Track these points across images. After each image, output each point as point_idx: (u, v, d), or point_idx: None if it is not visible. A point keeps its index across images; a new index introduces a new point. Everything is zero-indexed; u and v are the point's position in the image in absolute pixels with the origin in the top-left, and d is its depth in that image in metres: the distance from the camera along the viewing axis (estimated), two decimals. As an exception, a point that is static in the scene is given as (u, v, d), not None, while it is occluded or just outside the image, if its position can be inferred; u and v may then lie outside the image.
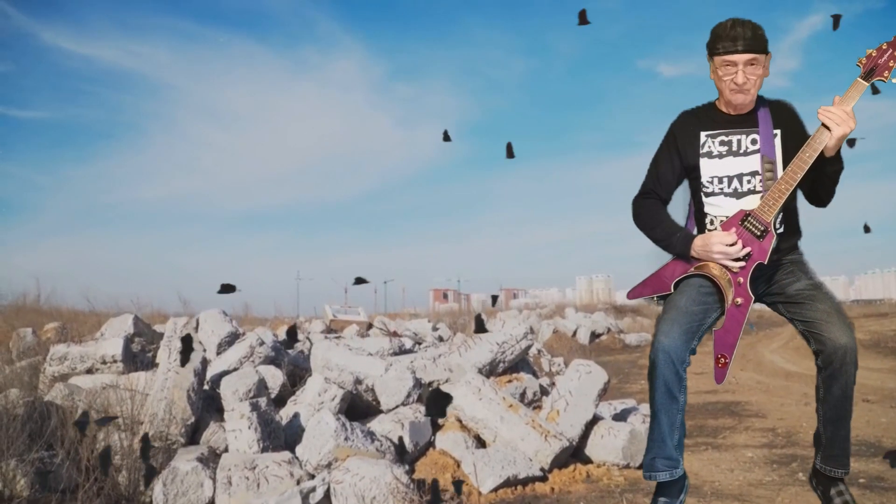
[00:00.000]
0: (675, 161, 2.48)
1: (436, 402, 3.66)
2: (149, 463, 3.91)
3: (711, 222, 2.45)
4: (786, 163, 2.33)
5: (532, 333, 7.02)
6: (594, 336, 18.60)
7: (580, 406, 4.84)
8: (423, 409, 4.91)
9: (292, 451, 4.28)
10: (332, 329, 12.34)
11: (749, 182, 2.38)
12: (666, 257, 2.52)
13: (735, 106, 2.39)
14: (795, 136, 2.35)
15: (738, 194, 2.39)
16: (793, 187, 2.30)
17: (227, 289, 3.62)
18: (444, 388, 5.25)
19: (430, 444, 4.77)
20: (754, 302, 2.37)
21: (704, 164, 2.43)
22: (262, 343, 5.82)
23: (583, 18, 3.56)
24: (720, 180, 2.41)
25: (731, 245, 2.32)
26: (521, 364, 5.86)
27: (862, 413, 6.24)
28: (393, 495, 3.69)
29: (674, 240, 2.44)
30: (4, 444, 3.92)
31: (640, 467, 3.63)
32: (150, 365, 5.88)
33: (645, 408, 5.87)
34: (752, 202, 2.36)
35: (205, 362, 5.01)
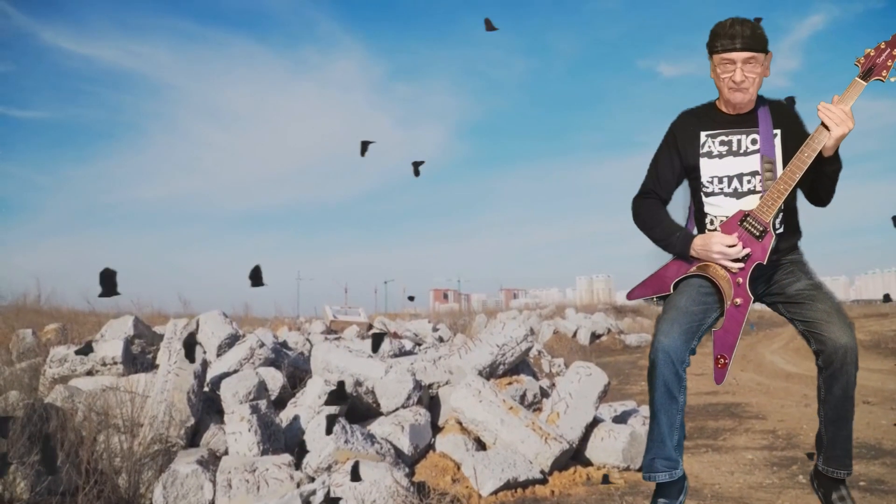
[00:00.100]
0: (675, 161, 2.48)
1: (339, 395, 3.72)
2: None
3: (711, 222, 2.44)
4: (786, 162, 2.33)
5: (532, 334, 7.02)
6: (594, 337, 18.60)
7: (580, 408, 4.84)
8: (423, 411, 4.91)
9: (292, 453, 4.28)
10: (333, 330, 12.34)
11: (749, 182, 2.38)
12: (666, 257, 2.52)
13: (734, 105, 2.39)
14: (795, 135, 2.35)
15: (738, 194, 2.39)
16: (791, 187, 2.29)
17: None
18: (445, 390, 5.25)
19: (430, 446, 4.77)
20: (754, 302, 2.37)
21: (704, 164, 2.43)
22: (262, 345, 5.82)
23: (489, 25, 3.63)
24: (720, 180, 2.41)
25: (731, 246, 2.32)
26: (521, 366, 5.86)
27: (862, 415, 6.24)
28: (393, 498, 3.69)
29: (673, 239, 2.44)
30: (4, 447, 3.91)
31: (640, 469, 3.63)
32: (151, 367, 5.87)
33: (645, 410, 5.87)
34: (752, 202, 2.36)
35: (205, 364, 5.01)
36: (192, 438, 4.65)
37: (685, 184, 2.54)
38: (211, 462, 4.14)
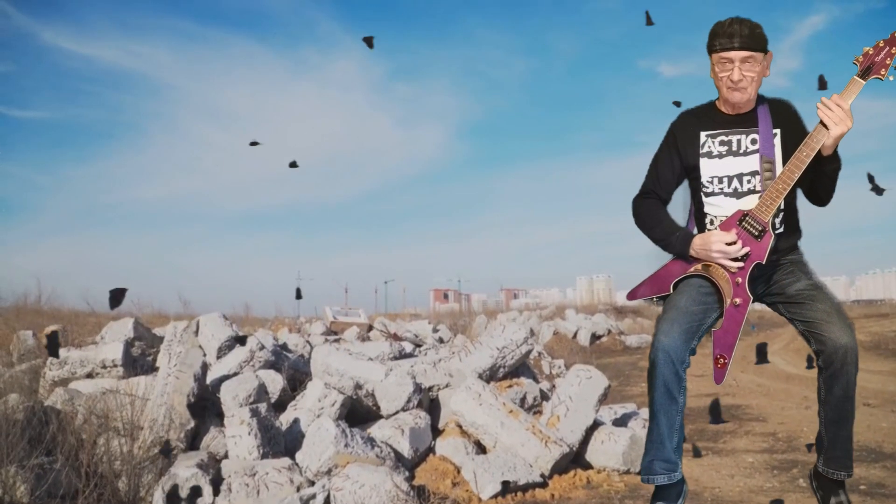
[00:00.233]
0: (675, 161, 2.48)
1: None
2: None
3: (711, 222, 2.44)
4: (785, 162, 2.33)
5: (532, 335, 7.01)
6: (595, 338, 18.59)
7: (580, 411, 4.84)
8: (423, 414, 4.90)
9: (292, 457, 4.28)
10: (333, 331, 12.33)
11: (749, 182, 2.38)
12: (666, 257, 2.52)
13: (733, 105, 2.39)
14: (795, 135, 2.34)
15: (738, 194, 2.39)
16: (790, 187, 2.29)
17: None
18: (445, 393, 5.25)
19: (430, 449, 4.77)
20: (754, 302, 2.37)
21: (704, 164, 2.43)
22: (262, 347, 5.82)
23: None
24: (720, 180, 2.41)
25: (730, 244, 2.32)
26: (521, 368, 5.85)
27: (863, 417, 6.23)
28: (393, 503, 3.68)
29: (672, 239, 2.44)
30: (4, 450, 3.91)
31: (640, 472, 3.62)
32: (151, 369, 5.88)
33: (645, 412, 5.86)
34: (752, 202, 2.36)
35: (205, 367, 5.01)
36: (192, 441, 4.66)
37: (685, 184, 2.55)
38: (211, 465, 4.14)
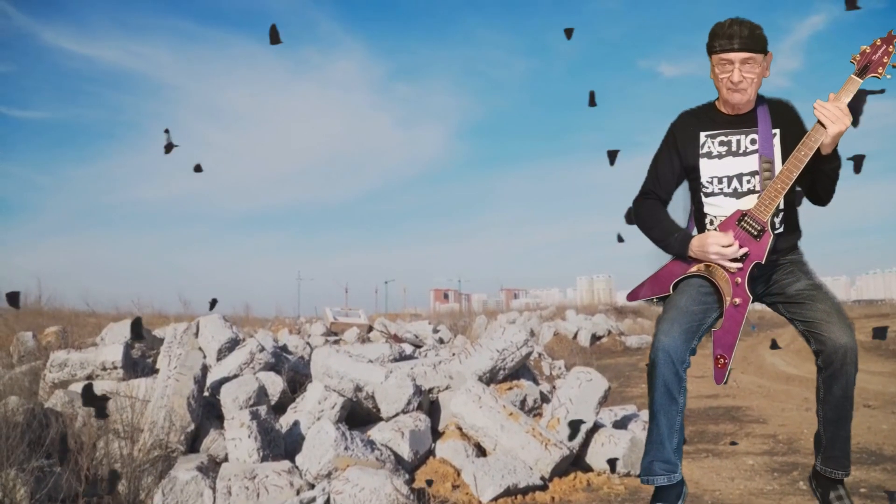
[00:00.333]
0: (675, 161, 2.48)
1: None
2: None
3: (711, 222, 2.45)
4: (785, 162, 2.33)
5: (533, 336, 7.00)
6: (595, 338, 18.59)
7: (580, 414, 4.84)
8: (423, 416, 4.90)
9: (292, 459, 4.28)
10: (333, 332, 12.34)
11: (749, 182, 2.38)
12: (666, 257, 2.53)
13: (733, 105, 2.39)
14: (795, 135, 2.34)
15: (737, 194, 2.39)
16: (789, 186, 2.29)
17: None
18: (445, 395, 5.25)
19: (431, 452, 4.76)
20: (753, 302, 2.37)
21: (704, 164, 2.43)
22: (262, 349, 5.82)
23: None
24: (720, 180, 2.42)
25: (728, 245, 2.32)
26: (521, 371, 5.85)
27: (863, 419, 6.23)
28: (393, 506, 3.68)
29: (671, 240, 2.45)
30: (4, 453, 3.91)
31: (639, 475, 3.62)
32: (151, 371, 5.88)
33: (645, 415, 5.85)
34: (751, 202, 2.36)
35: (205, 369, 5.01)
36: (192, 444, 4.65)
37: (686, 184, 2.55)
38: (211, 468, 4.14)
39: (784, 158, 2.34)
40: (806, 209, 2.49)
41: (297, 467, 4.15)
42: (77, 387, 5.44)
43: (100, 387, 5.29)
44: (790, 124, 2.40)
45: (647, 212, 2.52)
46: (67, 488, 3.97)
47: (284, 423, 4.88)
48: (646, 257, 2.59)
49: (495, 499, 4.15)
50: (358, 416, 5.18)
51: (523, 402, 5.44)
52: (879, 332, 3.92)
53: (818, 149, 2.26)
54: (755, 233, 2.31)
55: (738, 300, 2.33)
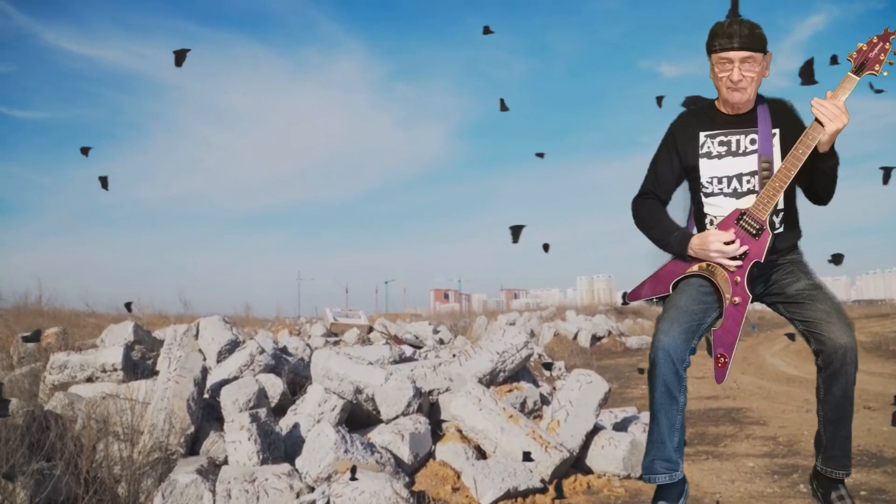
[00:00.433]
0: (675, 161, 2.49)
1: None
2: None
3: (711, 222, 2.45)
4: None
5: (533, 337, 6.99)
6: (595, 339, 18.58)
7: (581, 416, 4.83)
8: (423, 419, 4.90)
9: (292, 462, 4.27)
10: (333, 332, 12.34)
11: (748, 182, 2.39)
12: (666, 257, 2.53)
13: (732, 105, 2.39)
14: (795, 135, 2.34)
15: (737, 194, 2.40)
16: (787, 184, 2.30)
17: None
18: (445, 397, 5.25)
19: (431, 454, 4.76)
20: (753, 301, 2.38)
21: (704, 164, 2.44)
22: (262, 351, 5.81)
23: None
24: (719, 180, 2.42)
25: (728, 243, 2.32)
26: (521, 373, 5.85)
27: (863, 421, 6.21)
28: (393, 509, 3.67)
29: (671, 239, 2.45)
30: (4, 456, 3.91)
31: (640, 477, 3.62)
32: (151, 373, 5.88)
33: (646, 417, 5.85)
34: (751, 202, 2.37)
35: (205, 371, 5.00)
36: (192, 446, 4.65)
37: (685, 184, 2.55)
38: (210, 471, 4.13)
39: (784, 158, 2.35)
40: (806, 209, 2.49)
41: (296, 470, 4.14)
42: (77, 389, 5.44)
43: (100, 389, 5.30)
44: (790, 124, 2.40)
45: (646, 211, 2.53)
46: (67, 491, 3.97)
47: (284, 425, 4.88)
48: (646, 257, 2.59)
49: (495, 502, 4.14)
50: (358, 418, 5.18)
51: (523, 404, 5.43)
52: (836, 258, 3.91)
53: (816, 147, 2.26)
54: (754, 232, 2.32)
55: (737, 299, 2.33)
